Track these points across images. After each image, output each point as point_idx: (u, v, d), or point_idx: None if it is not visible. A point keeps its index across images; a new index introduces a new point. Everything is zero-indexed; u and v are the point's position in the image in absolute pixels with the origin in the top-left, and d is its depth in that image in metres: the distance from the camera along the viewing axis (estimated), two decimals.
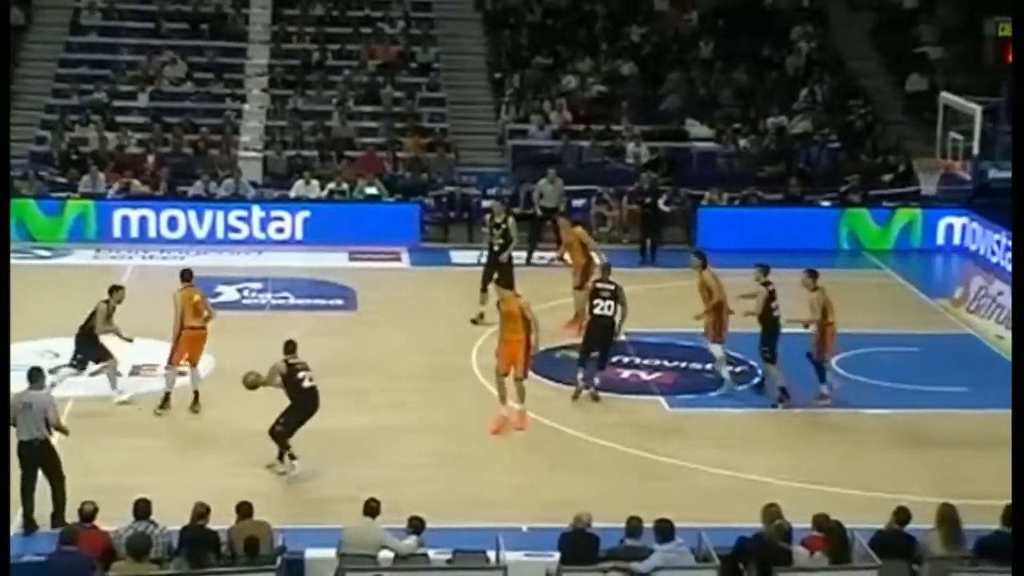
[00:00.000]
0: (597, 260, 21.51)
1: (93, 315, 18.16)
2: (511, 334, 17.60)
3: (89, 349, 18.18)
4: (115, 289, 18.53)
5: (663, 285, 23.55)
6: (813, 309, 18.70)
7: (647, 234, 26.67)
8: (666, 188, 28.31)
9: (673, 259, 26.22)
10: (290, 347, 16.45)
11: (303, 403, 16.11)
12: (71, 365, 18.19)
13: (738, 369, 20.09)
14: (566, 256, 22.38)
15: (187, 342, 18.02)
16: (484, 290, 21.77)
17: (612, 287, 18.84)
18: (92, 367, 18.21)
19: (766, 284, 18.92)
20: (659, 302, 22.69)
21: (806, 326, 18.79)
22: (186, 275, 18.54)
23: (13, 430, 14.65)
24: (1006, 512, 13.24)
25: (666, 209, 27.96)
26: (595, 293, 18.88)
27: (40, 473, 14.58)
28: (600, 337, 18.81)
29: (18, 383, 15.19)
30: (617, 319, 18.82)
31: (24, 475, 14.52)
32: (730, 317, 19.15)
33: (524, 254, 25.37)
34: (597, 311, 18.78)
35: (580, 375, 18.91)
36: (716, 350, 19.25)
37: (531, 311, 17.75)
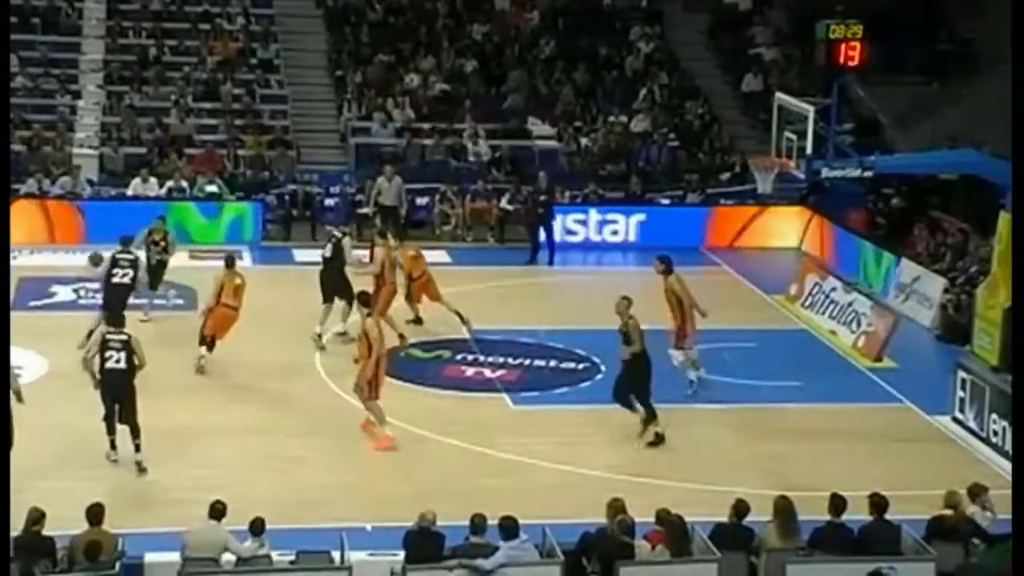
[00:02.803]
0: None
1: None
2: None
3: None
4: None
5: (509, 283, 23.68)
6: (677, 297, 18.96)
7: (536, 231, 26.58)
8: (507, 187, 28.53)
9: (515, 257, 26.46)
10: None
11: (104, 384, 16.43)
12: None
13: (581, 366, 20.34)
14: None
15: (219, 318, 19.34)
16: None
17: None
18: None
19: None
20: (495, 299, 22.85)
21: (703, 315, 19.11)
22: (230, 261, 19.99)
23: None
24: (834, 503, 13.61)
25: (508, 207, 28.15)
26: None
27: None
28: None
29: None
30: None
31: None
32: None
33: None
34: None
35: None
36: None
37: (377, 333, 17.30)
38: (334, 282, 20.69)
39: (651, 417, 17.62)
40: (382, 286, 20.48)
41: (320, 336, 20.55)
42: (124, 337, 16.26)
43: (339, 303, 20.61)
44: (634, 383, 17.67)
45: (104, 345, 16.18)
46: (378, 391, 17.22)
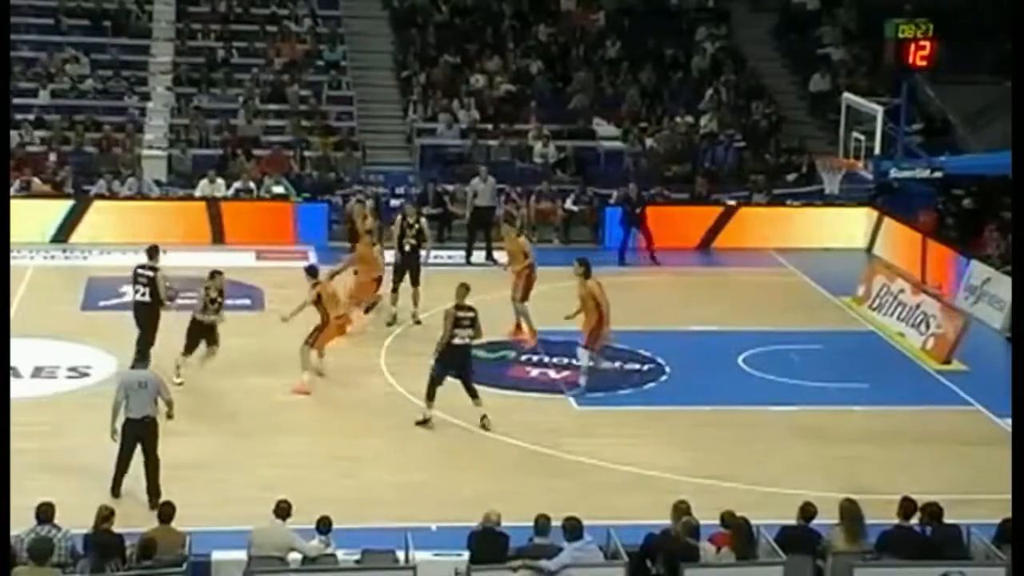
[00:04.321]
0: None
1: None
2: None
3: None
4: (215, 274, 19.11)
5: (574, 284, 23.59)
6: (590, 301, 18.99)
7: (628, 237, 26.57)
8: (573, 187, 28.53)
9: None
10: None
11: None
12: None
13: (646, 367, 20.30)
14: (510, 267, 21.89)
15: (336, 329, 19.32)
16: (395, 290, 22.00)
17: (472, 314, 17.84)
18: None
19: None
20: (560, 300, 22.78)
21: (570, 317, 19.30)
22: (312, 271, 19.64)
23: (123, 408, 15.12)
24: (904, 506, 13.48)
25: (573, 208, 28.15)
26: (457, 322, 17.69)
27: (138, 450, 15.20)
28: (457, 366, 17.91)
29: None
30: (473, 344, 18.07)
31: (123, 449, 15.17)
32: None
33: (463, 254, 25.92)
34: (456, 340, 17.71)
35: (428, 406, 17.87)
36: (584, 355, 19.18)
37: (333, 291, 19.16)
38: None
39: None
40: (522, 274, 21.26)
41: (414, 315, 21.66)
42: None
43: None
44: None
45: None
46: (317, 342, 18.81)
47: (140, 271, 19.10)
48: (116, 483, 15.23)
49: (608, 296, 19.33)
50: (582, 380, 19.26)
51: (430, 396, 17.86)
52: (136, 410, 15.17)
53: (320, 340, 19.18)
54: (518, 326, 21.48)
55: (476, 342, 18.12)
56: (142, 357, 16.16)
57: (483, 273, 23.74)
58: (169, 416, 15.48)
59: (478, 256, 26.05)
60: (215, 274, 19.19)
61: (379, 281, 21.81)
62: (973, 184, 27.92)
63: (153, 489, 15.13)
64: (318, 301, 19.15)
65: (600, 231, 27.96)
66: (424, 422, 17.88)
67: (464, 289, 18.17)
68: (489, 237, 26.19)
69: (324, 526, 13.32)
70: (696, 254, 27.33)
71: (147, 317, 18.95)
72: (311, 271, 19.80)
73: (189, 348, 18.86)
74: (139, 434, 15.17)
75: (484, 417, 17.89)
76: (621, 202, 27.32)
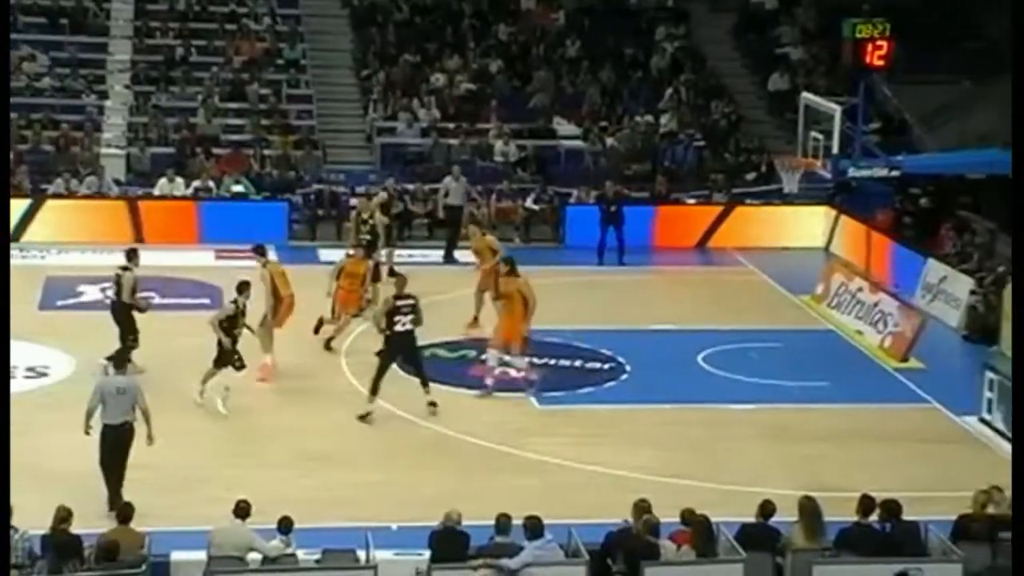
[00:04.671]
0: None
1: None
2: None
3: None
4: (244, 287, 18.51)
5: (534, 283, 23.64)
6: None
7: (605, 235, 26.51)
8: (533, 186, 28.57)
9: (541, 256, 26.45)
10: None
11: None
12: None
13: (607, 366, 20.35)
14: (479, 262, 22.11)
15: (288, 309, 19.17)
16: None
17: (412, 301, 18.17)
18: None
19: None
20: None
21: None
22: (261, 250, 19.70)
23: (98, 412, 14.92)
24: (863, 503, 13.57)
25: (534, 207, 28.17)
26: (395, 310, 18.00)
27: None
28: (403, 353, 18.26)
29: None
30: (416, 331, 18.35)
31: (103, 457, 14.92)
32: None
33: (442, 253, 25.94)
34: (398, 327, 18.03)
35: (371, 400, 18.08)
36: (494, 356, 19.15)
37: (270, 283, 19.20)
38: None
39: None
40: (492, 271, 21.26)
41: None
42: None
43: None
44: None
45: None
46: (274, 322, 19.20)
47: (117, 271, 19.21)
48: (111, 493, 14.77)
49: (536, 293, 19.24)
50: (488, 381, 19.10)
51: (374, 391, 18.02)
52: (114, 416, 14.95)
53: (276, 320, 19.23)
54: (475, 319, 21.48)
55: (439, 339, 18.51)
56: (121, 363, 15.93)
57: (463, 271, 23.82)
58: (149, 439, 15.08)
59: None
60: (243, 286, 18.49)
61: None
62: (930, 183, 28.14)
63: (116, 487, 14.91)
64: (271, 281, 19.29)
65: (561, 230, 28.01)
66: (365, 416, 17.97)
67: (403, 280, 18.57)
68: (455, 237, 26.19)
69: (285, 526, 13.28)
70: (658, 253, 27.37)
71: (116, 317, 18.95)
72: (259, 250, 19.86)
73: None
74: (118, 439, 14.95)
75: (432, 404, 18.16)
76: (597, 201, 27.35)
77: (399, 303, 18.11)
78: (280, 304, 19.29)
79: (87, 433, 15.00)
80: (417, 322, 18.14)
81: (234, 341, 18.02)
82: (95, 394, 15.06)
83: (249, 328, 18.56)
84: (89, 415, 15.01)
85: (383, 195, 25.53)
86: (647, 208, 28.03)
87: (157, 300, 22.30)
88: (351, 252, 21.49)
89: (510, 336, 19.08)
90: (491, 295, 21.24)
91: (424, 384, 18.30)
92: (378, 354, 18.14)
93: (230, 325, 18.07)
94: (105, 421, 14.97)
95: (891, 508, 13.55)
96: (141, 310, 19.12)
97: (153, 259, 24.41)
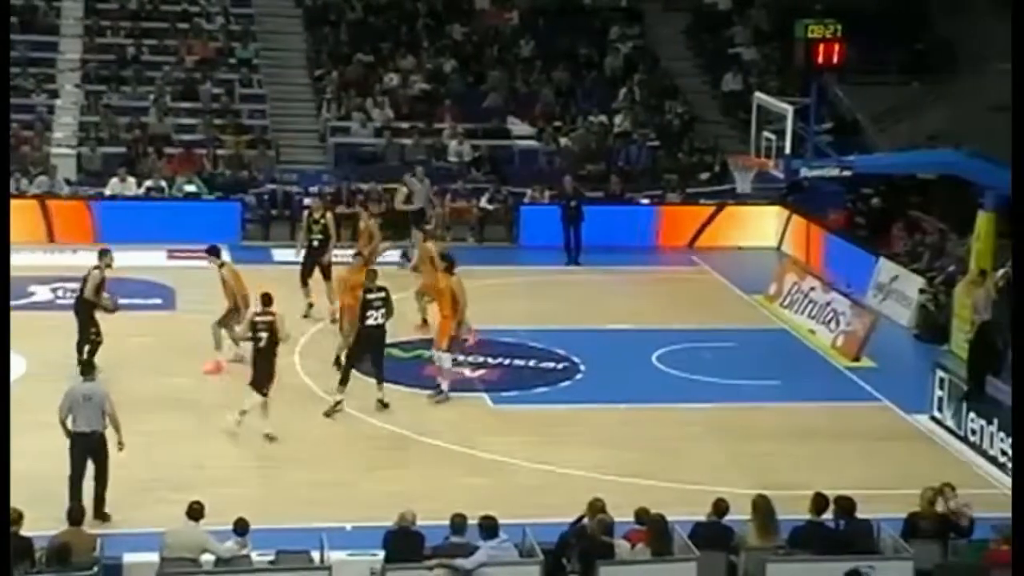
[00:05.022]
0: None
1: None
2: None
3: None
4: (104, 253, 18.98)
5: (489, 282, 23.66)
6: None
7: (569, 233, 26.48)
8: (487, 186, 28.56)
9: (495, 256, 26.49)
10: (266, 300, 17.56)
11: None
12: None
13: (560, 366, 20.37)
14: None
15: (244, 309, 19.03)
16: (305, 284, 22.08)
17: (383, 294, 18.27)
18: None
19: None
20: (475, 298, 22.81)
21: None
22: (216, 251, 19.65)
23: (69, 420, 14.79)
24: (816, 502, 13.65)
25: (488, 207, 28.17)
26: (367, 304, 18.11)
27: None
28: (373, 348, 18.31)
29: None
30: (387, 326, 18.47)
31: (75, 465, 14.70)
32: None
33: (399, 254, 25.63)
34: (370, 321, 18.13)
35: (340, 391, 18.21)
36: (446, 360, 19.02)
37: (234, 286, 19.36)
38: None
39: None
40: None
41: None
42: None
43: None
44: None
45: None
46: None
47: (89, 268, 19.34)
48: (73, 502, 14.11)
49: (466, 294, 19.09)
50: (444, 384, 19.02)
51: (344, 381, 18.10)
52: (83, 424, 14.80)
53: (239, 318, 19.17)
54: (424, 322, 21.49)
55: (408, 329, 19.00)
56: (89, 369, 15.72)
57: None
58: (119, 445, 15.00)
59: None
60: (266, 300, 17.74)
61: None
62: (881, 183, 28.33)
63: (98, 500, 14.83)
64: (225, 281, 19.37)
65: (515, 229, 28.02)
66: (336, 404, 18.04)
67: (373, 274, 18.56)
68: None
69: (241, 528, 13.21)
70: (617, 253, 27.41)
71: (77, 315, 19.01)
72: (213, 251, 19.83)
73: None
74: (88, 448, 14.79)
75: (382, 402, 18.25)
76: (556, 199, 27.35)
77: (370, 296, 18.15)
78: (245, 303, 19.29)
79: (69, 436, 14.85)
80: (388, 314, 18.25)
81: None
82: (64, 401, 14.92)
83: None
84: (62, 423, 14.88)
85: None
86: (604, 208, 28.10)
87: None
88: (351, 261, 21.12)
89: (445, 334, 19.02)
90: (419, 292, 21.38)
91: (380, 383, 18.27)
92: (349, 351, 18.33)
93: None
94: (74, 429, 14.83)
95: (844, 505, 13.63)
96: (108, 310, 19.02)
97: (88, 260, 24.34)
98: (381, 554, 13.08)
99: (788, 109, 22.06)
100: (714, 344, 21.56)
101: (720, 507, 13.65)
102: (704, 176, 30.09)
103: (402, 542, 13.04)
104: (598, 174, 29.84)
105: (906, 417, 19.10)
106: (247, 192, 28.02)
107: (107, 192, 27.26)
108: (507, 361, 20.57)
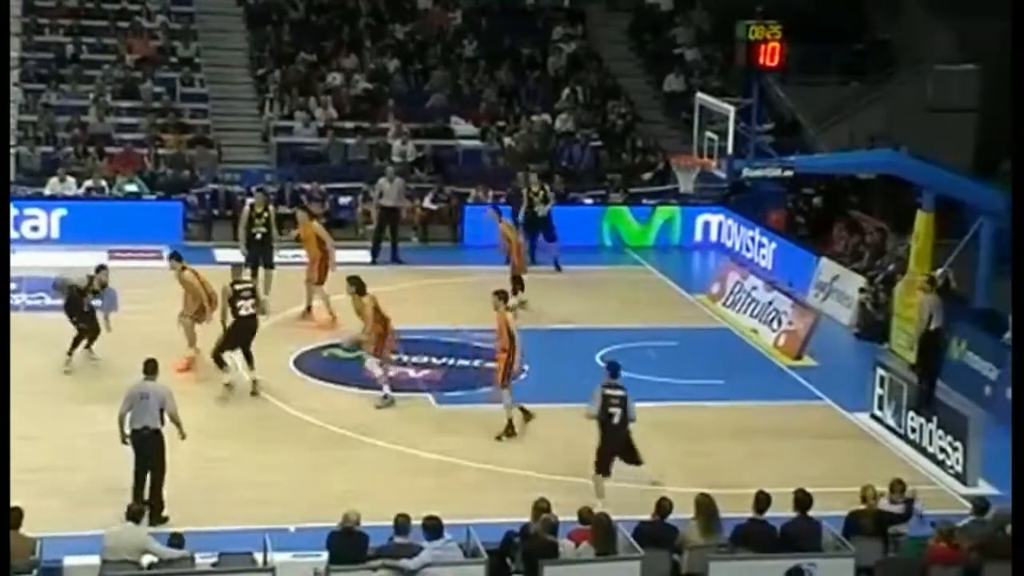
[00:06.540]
0: (333, 255, 22.00)
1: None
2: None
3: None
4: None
5: (432, 282, 23.66)
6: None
7: (532, 236, 26.15)
8: (431, 186, 28.54)
9: (437, 257, 26.46)
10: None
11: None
12: None
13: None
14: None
15: (204, 308, 19.36)
16: (254, 276, 21.92)
17: (251, 286, 19.10)
18: None
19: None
20: (419, 299, 22.77)
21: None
22: (178, 256, 19.83)
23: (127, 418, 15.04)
24: (757, 500, 13.74)
25: (432, 207, 28.13)
26: (236, 295, 18.76)
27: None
28: (248, 335, 18.90)
29: None
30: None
31: (136, 463, 14.94)
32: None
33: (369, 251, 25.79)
34: (242, 312, 18.77)
35: (226, 377, 18.80)
36: (376, 367, 19.12)
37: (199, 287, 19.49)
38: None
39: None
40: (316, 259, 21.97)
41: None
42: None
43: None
44: None
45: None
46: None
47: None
48: (135, 494, 14.77)
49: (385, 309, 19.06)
50: (387, 389, 19.01)
51: (221, 364, 18.76)
52: (136, 421, 15.01)
53: (207, 316, 19.44)
54: (309, 309, 21.94)
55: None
56: (150, 369, 15.59)
57: (386, 272, 24.05)
58: (181, 436, 15.26)
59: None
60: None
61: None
62: (822, 183, 28.56)
63: (155, 500, 14.84)
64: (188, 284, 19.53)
65: (459, 229, 28.01)
66: (229, 385, 18.63)
67: (238, 268, 19.49)
68: (395, 237, 26.15)
69: (176, 541, 13.12)
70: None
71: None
72: (176, 256, 19.96)
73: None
74: (139, 445, 14.98)
75: (255, 383, 18.71)
76: (516, 202, 27.27)
77: (238, 287, 18.82)
78: (211, 301, 19.39)
79: (124, 442, 15.05)
80: (258, 307, 18.96)
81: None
82: (124, 401, 15.17)
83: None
84: (120, 421, 15.07)
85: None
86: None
87: (47, 301, 21.97)
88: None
89: (380, 346, 18.95)
90: (308, 278, 21.86)
91: (250, 363, 18.81)
92: (220, 341, 18.87)
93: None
94: (131, 427, 15.07)
95: (800, 500, 13.73)
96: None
97: (45, 260, 24.14)
98: (325, 555, 13.05)
99: (730, 109, 22.16)
100: (657, 343, 21.64)
101: (663, 506, 13.72)
102: (647, 176, 30.21)
103: (346, 543, 13.02)
104: (541, 174, 29.85)
105: (847, 415, 19.27)
106: (189, 192, 27.85)
107: (47, 192, 27.01)
108: (451, 361, 20.55)
